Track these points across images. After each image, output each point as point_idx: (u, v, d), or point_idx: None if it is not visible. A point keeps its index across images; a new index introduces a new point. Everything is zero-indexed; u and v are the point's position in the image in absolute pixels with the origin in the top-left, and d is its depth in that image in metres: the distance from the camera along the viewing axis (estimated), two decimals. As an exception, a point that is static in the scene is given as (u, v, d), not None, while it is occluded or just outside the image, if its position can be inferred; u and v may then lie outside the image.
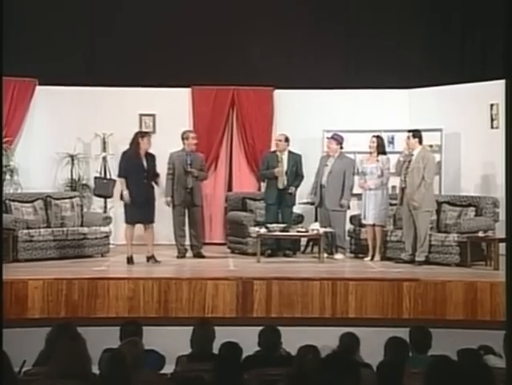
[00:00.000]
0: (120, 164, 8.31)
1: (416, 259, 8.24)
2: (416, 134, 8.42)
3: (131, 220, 8.23)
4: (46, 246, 8.50)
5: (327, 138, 9.34)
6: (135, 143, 8.27)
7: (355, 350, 4.80)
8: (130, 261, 8.19)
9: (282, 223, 8.78)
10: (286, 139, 9.20)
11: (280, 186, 9.04)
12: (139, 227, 8.38)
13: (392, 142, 9.86)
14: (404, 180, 8.32)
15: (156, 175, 8.28)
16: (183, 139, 8.91)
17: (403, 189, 8.31)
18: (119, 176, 8.37)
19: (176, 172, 8.77)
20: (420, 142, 8.41)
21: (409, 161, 8.34)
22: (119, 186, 8.43)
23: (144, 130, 10.08)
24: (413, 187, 8.21)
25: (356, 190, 9.02)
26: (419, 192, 8.18)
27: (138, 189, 8.16)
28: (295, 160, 9.17)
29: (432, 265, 8.19)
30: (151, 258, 8.25)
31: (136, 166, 8.18)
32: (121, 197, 8.25)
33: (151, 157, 8.30)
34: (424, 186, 8.20)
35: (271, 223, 8.73)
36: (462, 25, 10.07)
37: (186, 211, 8.85)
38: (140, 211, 8.16)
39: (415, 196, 8.17)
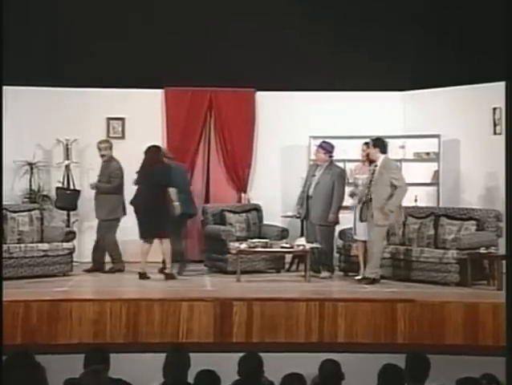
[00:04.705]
0: None
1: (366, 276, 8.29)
2: (377, 143, 8.46)
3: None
4: (1, 264, 8.41)
5: (315, 146, 9.36)
6: None
7: (339, 379, 4.78)
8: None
9: None
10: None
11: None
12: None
13: (384, 149, 9.89)
14: (368, 193, 8.33)
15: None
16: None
17: (365, 203, 8.32)
18: None
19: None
20: (383, 151, 8.43)
21: (372, 173, 8.37)
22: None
23: (112, 135, 10.18)
24: (381, 199, 8.22)
25: (347, 202, 9.04)
26: (390, 203, 8.21)
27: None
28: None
29: (429, 285, 8.22)
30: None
31: None
32: None
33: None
34: (399, 194, 8.23)
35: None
36: (461, 21, 10.07)
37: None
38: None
39: (387, 206, 8.20)
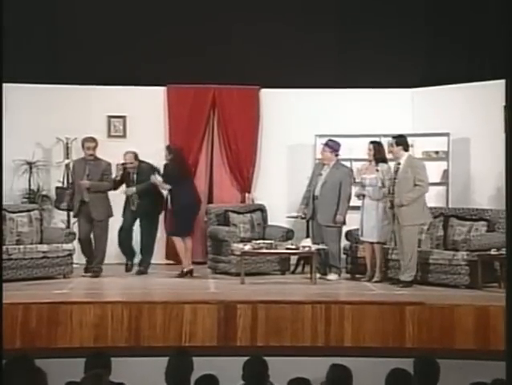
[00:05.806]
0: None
1: (401, 279, 8.26)
2: (400, 140, 8.44)
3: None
4: (0, 266, 8.42)
5: (321, 144, 9.37)
6: None
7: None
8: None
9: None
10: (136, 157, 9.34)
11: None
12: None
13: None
14: (392, 193, 8.33)
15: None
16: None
17: (391, 202, 8.32)
18: None
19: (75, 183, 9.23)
20: (406, 149, 8.43)
21: (396, 171, 8.37)
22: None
23: (113, 134, 10.19)
24: (402, 195, 8.23)
25: (354, 202, 9.05)
26: (407, 195, 8.19)
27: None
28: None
29: (439, 287, 8.22)
30: None
31: None
32: None
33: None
34: (418, 191, 8.21)
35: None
36: (472, 14, 10.01)
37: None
38: None
39: (403, 199, 8.18)
